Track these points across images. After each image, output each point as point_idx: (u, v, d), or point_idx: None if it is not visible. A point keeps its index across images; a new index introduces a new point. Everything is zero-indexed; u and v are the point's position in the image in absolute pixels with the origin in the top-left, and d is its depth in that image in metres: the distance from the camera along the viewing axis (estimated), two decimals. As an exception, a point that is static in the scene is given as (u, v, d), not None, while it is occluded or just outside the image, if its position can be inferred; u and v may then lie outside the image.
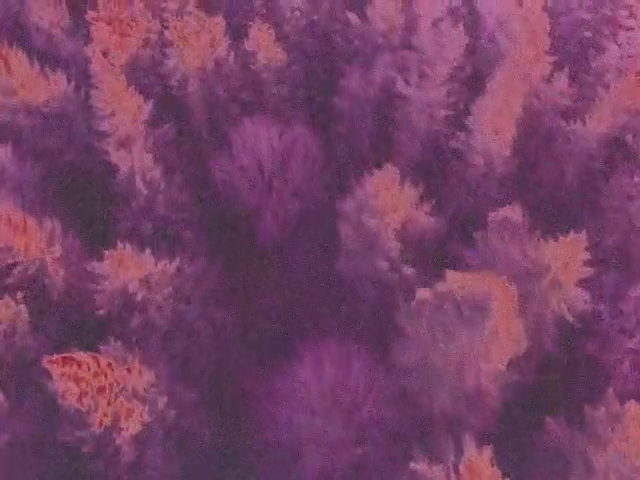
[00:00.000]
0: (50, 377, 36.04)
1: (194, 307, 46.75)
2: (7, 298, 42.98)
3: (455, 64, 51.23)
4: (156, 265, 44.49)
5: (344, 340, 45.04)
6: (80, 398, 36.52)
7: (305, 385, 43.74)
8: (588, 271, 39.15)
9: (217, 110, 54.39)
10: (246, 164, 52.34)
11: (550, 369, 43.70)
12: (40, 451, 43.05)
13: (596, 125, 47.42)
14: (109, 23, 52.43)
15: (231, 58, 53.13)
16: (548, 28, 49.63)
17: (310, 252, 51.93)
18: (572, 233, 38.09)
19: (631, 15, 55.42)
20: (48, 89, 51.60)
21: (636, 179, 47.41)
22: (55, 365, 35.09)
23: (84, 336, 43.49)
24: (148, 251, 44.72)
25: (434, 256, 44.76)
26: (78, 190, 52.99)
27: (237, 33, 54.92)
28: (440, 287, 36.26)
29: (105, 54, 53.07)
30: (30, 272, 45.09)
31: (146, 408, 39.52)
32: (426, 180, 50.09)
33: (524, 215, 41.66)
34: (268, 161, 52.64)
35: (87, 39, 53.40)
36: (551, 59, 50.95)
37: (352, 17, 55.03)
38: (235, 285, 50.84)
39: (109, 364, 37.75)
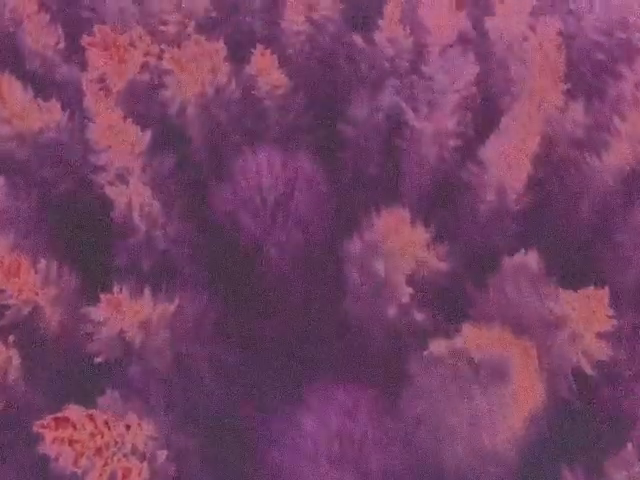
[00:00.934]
0: (42, 440, 34.11)
1: (196, 348, 44.92)
2: (-2, 341, 41.30)
3: (465, 92, 49.40)
4: (155, 307, 42.65)
5: (351, 385, 43.15)
6: (75, 460, 34.63)
7: (310, 434, 41.91)
8: (611, 324, 37.18)
9: (218, 138, 52.40)
10: (248, 195, 50.36)
11: (567, 417, 41.93)
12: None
13: (613, 159, 45.49)
14: (105, 49, 50.35)
15: (232, 84, 51.10)
16: (564, 57, 47.67)
17: (315, 288, 50.03)
18: (593, 287, 36.08)
19: (646, 38, 53.68)
20: (42, 118, 49.68)
21: (655, 214, 45.65)
22: (48, 429, 33.13)
23: (80, 385, 41.66)
24: (147, 292, 42.88)
25: (447, 300, 42.88)
26: (74, 223, 51.05)
27: (238, 58, 52.98)
28: (455, 343, 34.35)
29: (101, 80, 51.43)
30: (23, 314, 43.28)
31: (145, 465, 37.65)
32: (435, 214, 48.41)
33: (540, 261, 39.74)
34: (271, 192, 50.62)
35: (83, 64, 51.55)
36: (565, 86, 49.09)
37: (358, 40, 53.05)
38: (237, 322, 48.93)
39: (106, 422, 35.84)
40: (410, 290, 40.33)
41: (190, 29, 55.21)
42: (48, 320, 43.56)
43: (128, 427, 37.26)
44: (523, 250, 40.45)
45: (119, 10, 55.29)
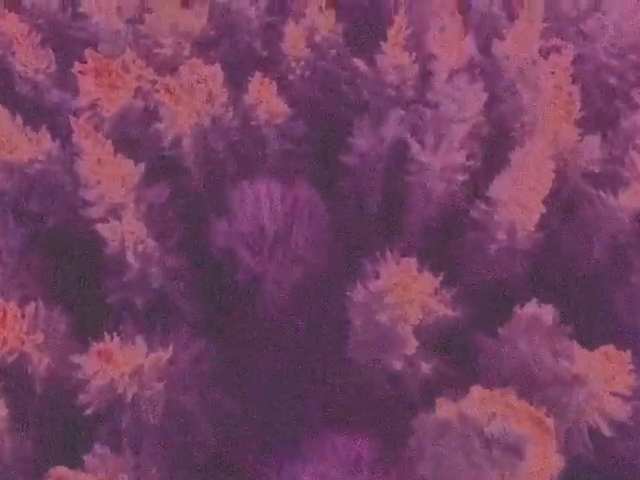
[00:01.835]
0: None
1: (191, 396, 42.88)
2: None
3: (473, 121, 47.19)
4: (148, 356, 40.58)
5: (352, 436, 41.05)
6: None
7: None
8: (631, 384, 35.03)
9: (215, 168, 50.21)
10: (246, 229, 48.17)
11: (582, 473, 39.85)
12: None
13: (628, 198, 43.28)
14: (97, 75, 48.11)
15: (230, 114, 48.85)
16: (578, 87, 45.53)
17: (316, 328, 47.95)
18: (613, 347, 33.93)
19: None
20: (31, 148, 47.48)
21: (672, 254, 43.55)
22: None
23: (69, 439, 39.66)
24: (139, 339, 40.81)
25: (455, 349, 40.84)
26: (64, 258, 48.86)
27: (237, 81, 50.68)
28: (464, 408, 32.20)
29: (93, 106, 49.26)
30: (9, 361, 41.22)
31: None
32: (442, 252, 46.30)
33: (554, 312, 37.64)
34: (270, 225, 48.44)
35: (74, 90, 49.34)
36: (578, 115, 46.88)
37: (360, 65, 50.71)
38: (234, 366, 46.80)
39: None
40: (416, 343, 38.22)
41: (186, 51, 53.01)
42: (35, 367, 41.47)
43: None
44: (535, 300, 38.31)
45: (112, 32, 53.03)
